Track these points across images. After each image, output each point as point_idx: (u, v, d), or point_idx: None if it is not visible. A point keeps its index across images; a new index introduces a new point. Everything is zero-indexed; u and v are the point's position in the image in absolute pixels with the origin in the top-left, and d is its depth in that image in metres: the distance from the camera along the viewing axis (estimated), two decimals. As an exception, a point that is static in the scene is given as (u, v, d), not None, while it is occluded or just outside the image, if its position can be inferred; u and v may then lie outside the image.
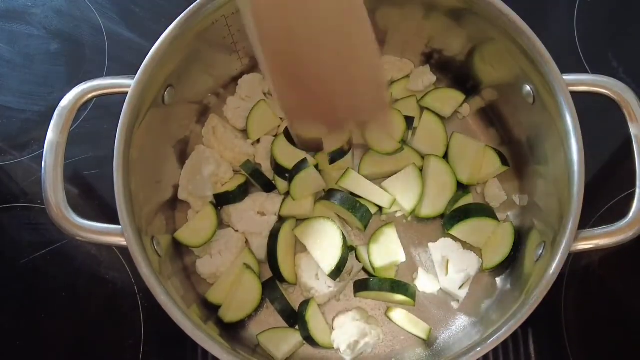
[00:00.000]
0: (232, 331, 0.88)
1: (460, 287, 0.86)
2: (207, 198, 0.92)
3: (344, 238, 0.85)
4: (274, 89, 0.58)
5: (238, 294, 0.86)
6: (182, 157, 0.95)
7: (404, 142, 0.94)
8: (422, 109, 0.98)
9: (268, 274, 0.90)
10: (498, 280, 0.89)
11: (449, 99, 0.98)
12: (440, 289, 0.89)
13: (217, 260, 0.89)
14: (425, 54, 1.00)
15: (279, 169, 0.91)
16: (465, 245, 0.90)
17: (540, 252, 0.79)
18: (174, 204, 0.94)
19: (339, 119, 0.60)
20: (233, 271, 0.88)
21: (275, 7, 0.51)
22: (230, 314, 0.86)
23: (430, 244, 0.90)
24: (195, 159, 0.94)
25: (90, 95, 0.78)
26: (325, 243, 0.86)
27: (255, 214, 0.91)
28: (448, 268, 0.87)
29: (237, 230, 0.92)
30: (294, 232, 0.89)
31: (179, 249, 0.91)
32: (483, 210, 0.90)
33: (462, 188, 0.94)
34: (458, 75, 0.99)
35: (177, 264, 0.89)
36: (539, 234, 0.84)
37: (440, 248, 0.89)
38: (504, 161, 0.93)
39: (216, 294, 0.88)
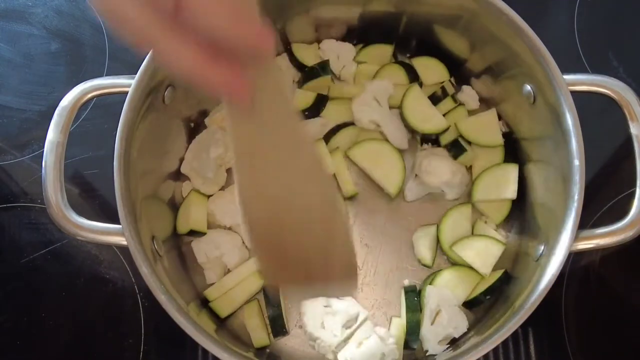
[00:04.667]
0: (232, 330, 0.88)
1: (439, 342, 0.83)
2: (208, 179, 0.92)
3: (403, 159, 0.93)
4: (257, 257, 0.63)
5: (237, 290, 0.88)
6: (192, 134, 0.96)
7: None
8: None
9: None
10: (498, 280, 0.89)
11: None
12: None
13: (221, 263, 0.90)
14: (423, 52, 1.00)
15: None
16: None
17: (540, 252, 0.79)
18: (178, 176, 0.95)
19: (311, 282, 0.65)
20: (238, 278, 0.88)
21: (262, 201, 0.57)
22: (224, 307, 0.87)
23: (429, 287, 0.87)
24: (205, 137, 0.94)
25: (90, 95, 0.78)
26: (385, 165, 0.92)
27: (237, 206, 0.91)
28: (436, 319, 0.85)
29: (225, 227, 0.91)
30: (348, 154, 0.94)
31: (179, 248, 0.91)
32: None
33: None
34: (458, 75, 0.99)
35: (178, 263, 0.89)
36: (539, 233, 0.84)
37: (438, 296, 0.85)
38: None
39: (215, 293, 0.88)
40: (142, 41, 0.43)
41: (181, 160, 0.95)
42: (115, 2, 0.42)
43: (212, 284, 0.89)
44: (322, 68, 0.96)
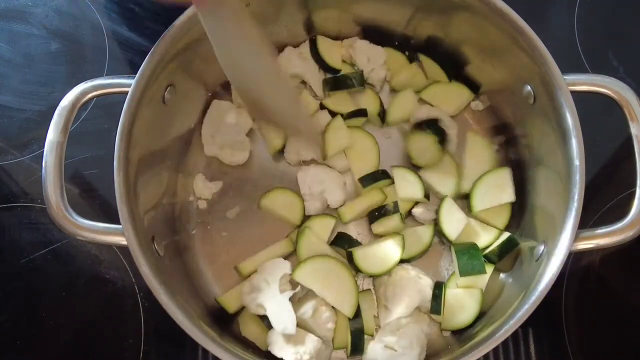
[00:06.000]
0: (231, 329, 0.88)
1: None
2: (238, 143, 0.94)
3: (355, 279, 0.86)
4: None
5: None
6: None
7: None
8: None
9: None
10: (498, 279, 0.90)
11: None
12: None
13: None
14: (424, 51, 1.00)
15: None
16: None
17: (541, 251, 0.79)
18: (178, 175, 0.95)
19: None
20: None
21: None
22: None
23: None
24: (214, 112, 0.95)
25: (90, 95, 0.78)
26: (337, 285, 0.84)
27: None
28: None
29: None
30: (294, 277, 0.84)
31: (179, 248, 0.91)
32: None
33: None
34: (459, 75, 0.99)
35: (177, 262, 0.89)
36: (539, 233, 0.84)
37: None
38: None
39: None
40: None
41: (181, 158, 0.95)
42: None
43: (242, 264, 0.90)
44: (357, 79, 0.94)
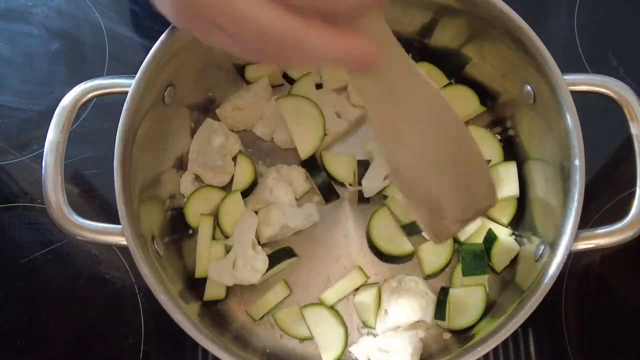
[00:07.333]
0: (231, 329, 0.88)
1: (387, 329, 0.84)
2: (219, 168, 0.92)
3: (324, 123, 0.89)
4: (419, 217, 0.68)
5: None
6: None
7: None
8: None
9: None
10: (498, 279, 0.90)
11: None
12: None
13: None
14: (424, 52, 1.00)
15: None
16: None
17: (540, 252, 0.79)
18: (179, 175, 0.95)
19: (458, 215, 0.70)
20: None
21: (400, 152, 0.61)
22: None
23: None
24: (203, 132, 0.95)
25: (90, 95, 0.78)
26: (306, 124, 0.87)
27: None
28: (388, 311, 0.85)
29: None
30: (278, 101, 0.90)
31: (179, 248, 0.91)
32: None
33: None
34: (458, 75, 0.99)
35: (177, 263, 0.89)
36: (539, 233, 0.84)
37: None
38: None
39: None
40: (280, 45, 0.41)
41: (181, 159, 0.95)
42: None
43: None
44: None
